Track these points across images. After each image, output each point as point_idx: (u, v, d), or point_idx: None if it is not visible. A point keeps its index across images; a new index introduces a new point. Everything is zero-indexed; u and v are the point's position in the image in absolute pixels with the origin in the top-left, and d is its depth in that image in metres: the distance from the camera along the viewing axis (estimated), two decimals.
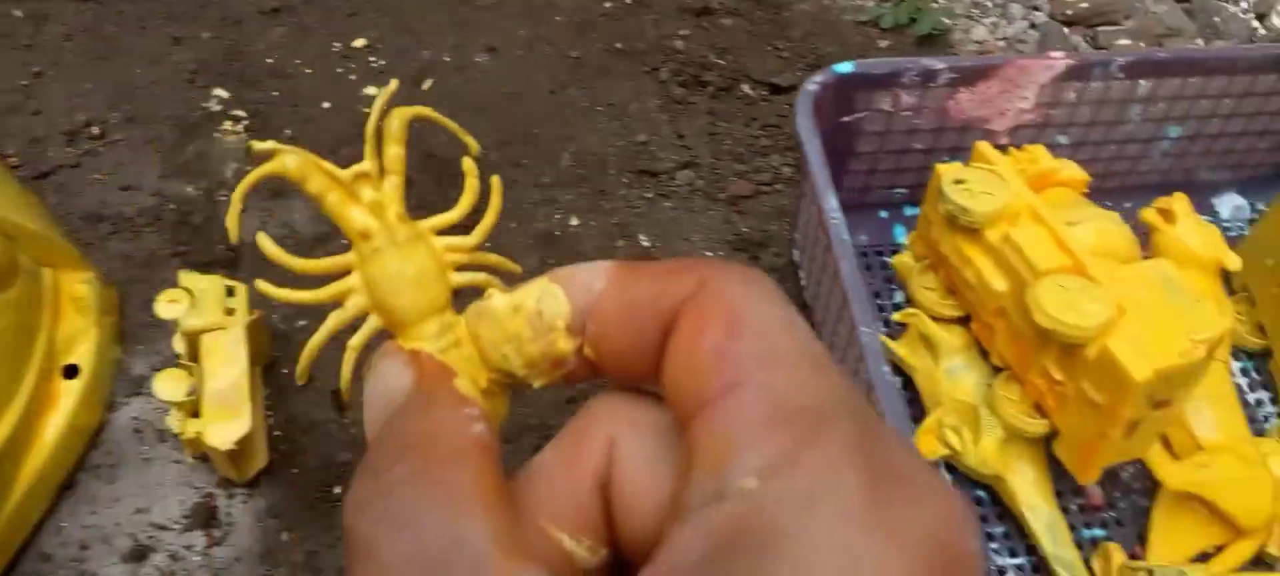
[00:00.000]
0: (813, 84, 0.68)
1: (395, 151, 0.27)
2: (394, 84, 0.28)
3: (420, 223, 0.27)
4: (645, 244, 0.83)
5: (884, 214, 0.83)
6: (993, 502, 0.69)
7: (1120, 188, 0.84)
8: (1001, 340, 0.64)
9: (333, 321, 0.26)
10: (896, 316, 0.74)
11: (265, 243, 0.27)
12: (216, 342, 0.64)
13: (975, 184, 0.64)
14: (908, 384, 0.73)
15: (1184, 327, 0.55)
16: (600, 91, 0.94)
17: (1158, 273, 0.59)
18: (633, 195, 0.86)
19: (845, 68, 0.70)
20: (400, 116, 0.28)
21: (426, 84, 0.93)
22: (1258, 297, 0.75)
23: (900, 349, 0.73)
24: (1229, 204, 0.87)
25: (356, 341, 0.25)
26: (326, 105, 0.90)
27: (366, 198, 0.26)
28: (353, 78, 0.92)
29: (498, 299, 0.23)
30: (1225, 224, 0.85)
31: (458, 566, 0.17)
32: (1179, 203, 0.73)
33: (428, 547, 0.18)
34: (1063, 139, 0.77)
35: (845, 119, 0.73)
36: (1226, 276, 0.79)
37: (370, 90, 0.91)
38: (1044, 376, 0.60)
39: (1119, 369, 0.54)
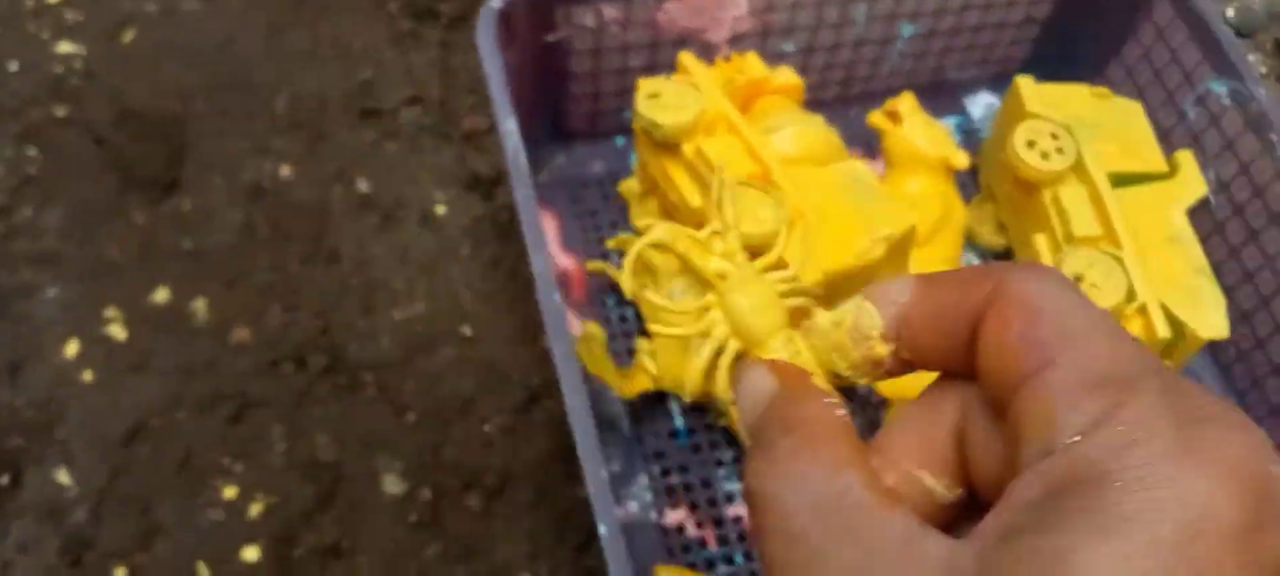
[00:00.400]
0: (497, 1, 0.63)
1: (731, 211, 0.32)
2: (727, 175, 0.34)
3: (753, 263, 0.32)
4: (364, 189, 0.78)
5: (621, 141, 0.79)
6: (725, 429, 0.66)
7: (864, 93, 0.81)
8: None
9: (708, 349, 0.31)
10: (610, 242, 0.71)
11: (652, 297, 0.34)
12: None
13: (670, 97, 0.60)
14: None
15: (866, 227, 0.52)
16: (324, 31, 0.88)
17: (847, 173, 0.56)
18: (354, 138, 0.81)
19: None
20: (728, 187, 0.33)
21: (128, 36, 0.85)
22: (997, 195, 0.73)
23: (625, 278, 0.69)
24: (981, 103, 0.85)
25: (726, 361, 0.30)
26: (14, 66, 0.82)
27: (717, 248, 0.31)
28: (45, 35, 0.85)
29: (822, 316, 0.28)
30: (977, 124, 0.83)
31: (845, 509, 0.22)
32: (905, 102, 0.70)
33: (820, 498, 0.23)
34: (789, 46, 0.74)
35: (549, 38, 0.68)
36: (973, 175, 0.77)
37: (63, 47, 0.84)
38: None
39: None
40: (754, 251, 0.32)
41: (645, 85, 0.61)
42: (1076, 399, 0.21)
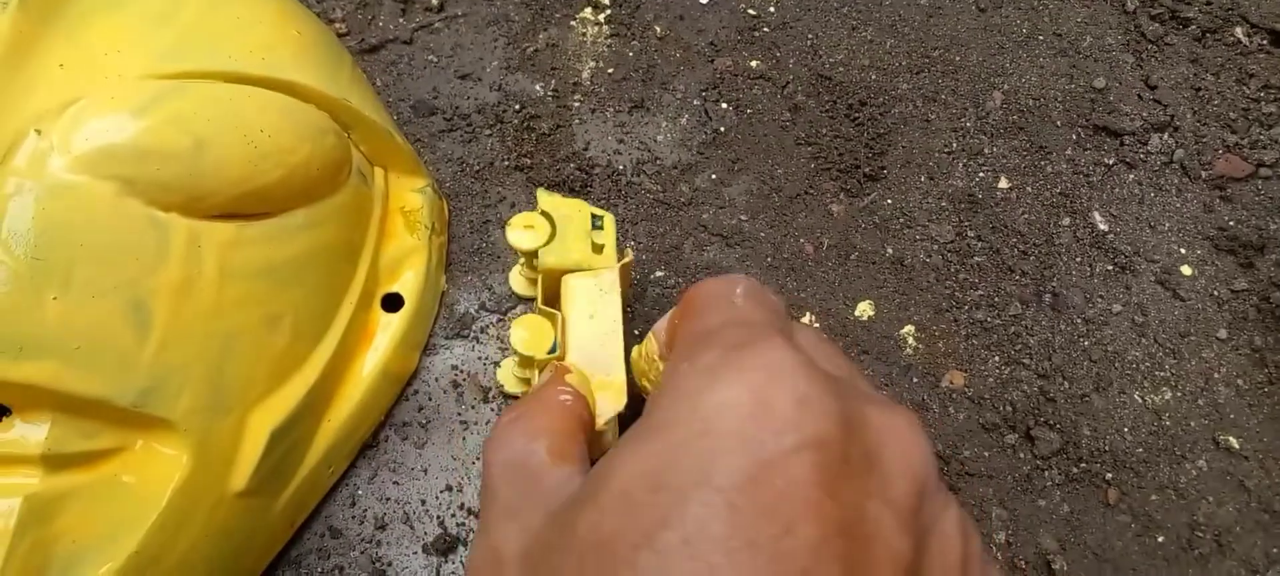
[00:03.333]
0: None
1: None
2: None
3: None
4: (1102, 228, 0.66)
5: None
6: None
7: None
8: None
9: None
10: None
11: None
12: (582, 288, 0.51)
13: None
14: None
15: None
16: (1045, 16, 0.77)
17: None
18: (1084, 158, 0.69)
19: None
20: None
21: None
22: None
23: None
24: None
25: None
26: (704, 0, 0.76)
27: None
28: None
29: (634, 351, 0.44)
30: None
31: (527, 466, 0.34)
32: None
33: (513, 456, 0.35)
34: None
35: None
36: None
37: None
38: None
39: None
40: None
41: None
42: (677, 354, 0.32)
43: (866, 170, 0.68)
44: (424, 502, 0.56)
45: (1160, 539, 0.56)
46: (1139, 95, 0.72)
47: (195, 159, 0.44)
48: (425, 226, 0.59)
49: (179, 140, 0.44)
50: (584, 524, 0.27)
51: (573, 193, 0.66)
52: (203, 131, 0.44)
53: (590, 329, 0.49)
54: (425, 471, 0.57)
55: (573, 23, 0.74)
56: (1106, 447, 0.58)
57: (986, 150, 0.70)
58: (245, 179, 0.46)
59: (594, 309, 0.49)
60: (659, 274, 0.63)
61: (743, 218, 0.66)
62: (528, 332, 0.48)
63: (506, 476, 0.34)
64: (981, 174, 0.69)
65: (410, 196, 0.59)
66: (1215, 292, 0.64)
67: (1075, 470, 0.58)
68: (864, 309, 0.63)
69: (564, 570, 0.27)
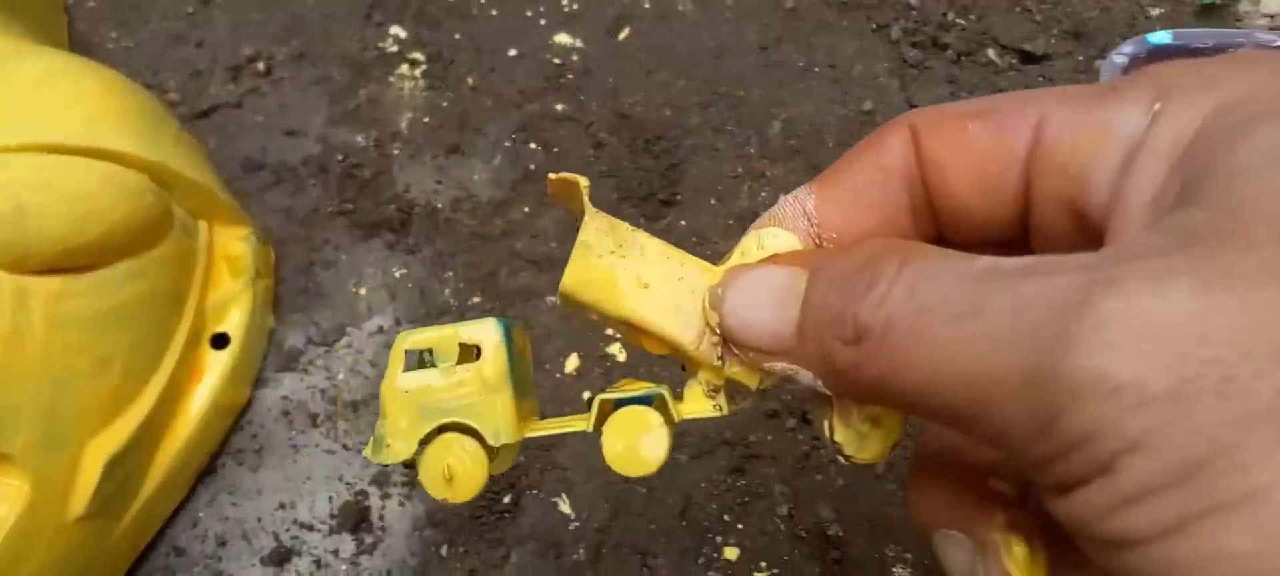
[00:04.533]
0: (1120, 56, 0.57)
1: None
2: None
3: None
4: None
5: None
6: None
7: None
8: None
9: None
10: None
11: None
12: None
13: None
14: None
15: None
16: (819, 50, 0.84)
17: None
18: None
19: (1161, 38, 0.58)
20: None
21: (624, 34, 0.84)
22: None
23: None
24: None
25: None
26: (513, 52, 0.82)
27: None
28: (543, 22, 0.84)
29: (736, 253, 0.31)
30: None
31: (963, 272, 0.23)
32: None
33: (926, 276, 0.23)
34: None
35: None
36: None
37: (560, 38, 0.83)
38: None
39: None
40: None
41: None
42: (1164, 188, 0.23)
43: (662, 196, 0.74)
44: (260, 520, 0.60)
45: None
46: (902, 114, 0.79)
47: (17, 222, 0.48)
48: (249, 271, 0.63)
49: (1, 206, 0.48)
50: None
51: (392, 232, 0.71)
52: (24, 197, 0.48)
53: (653, 295, 0.30)
54: (260, 492, 0.61)
55: (391, 78, 0.79)
56: None
57: (769, 173, 0.76)
58: (67, 238, 0.50)
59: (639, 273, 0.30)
60: (476, 300, 0.69)
61: (553, 245, 0.71)
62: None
63: (951, 289, 0.23)
64: (764, 194, 0.75)
65: (234, 244, 0.64)
66: None
67: None
68: None
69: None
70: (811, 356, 0.26)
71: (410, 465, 0.30)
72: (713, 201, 0.75)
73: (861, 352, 0.23)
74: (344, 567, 0.59)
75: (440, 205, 0.73)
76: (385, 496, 0.62)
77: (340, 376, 0.65)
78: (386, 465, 0.32)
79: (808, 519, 0.62)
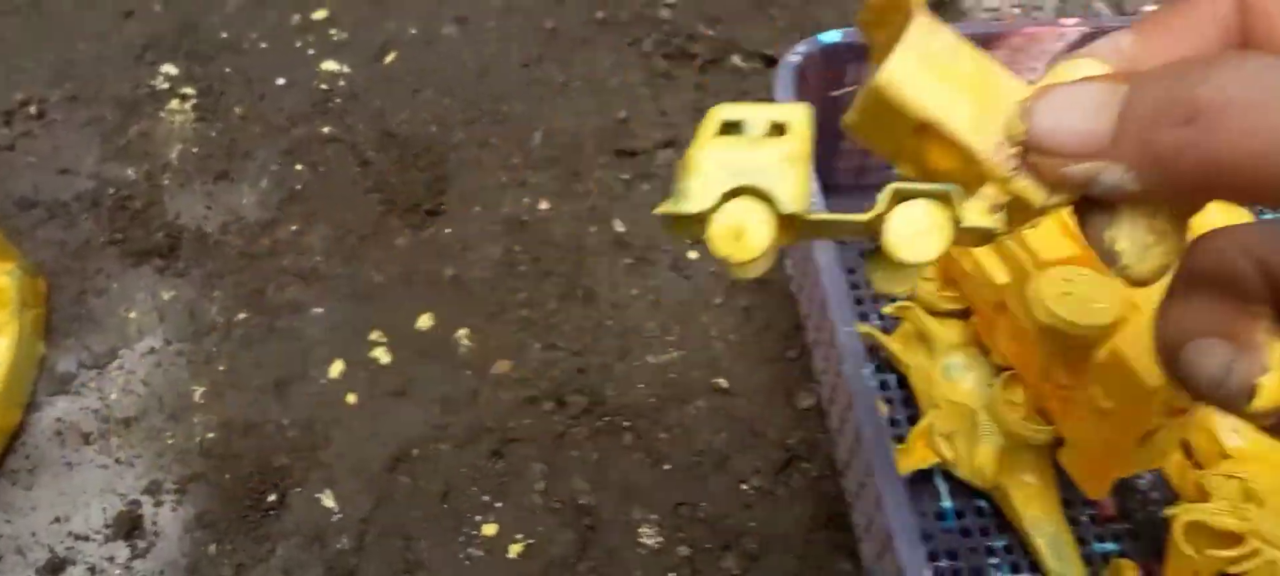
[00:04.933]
0: (795, 55, 0.63)
1: None
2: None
3: None
4: (620, 229, 0.78)
5: None
6: (994, 513, 0.64)
7: None
8: (1003, 337, 0.60)
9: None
10: (887, 310, 0.69)
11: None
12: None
13: None
14: (903, 382, 0.68)
15: None
16: (578, 65, 0.89)
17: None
18: (609, 177, 0.81)
19: (831, 37, 0.65)
20: None
21: (390, 58, 0.88)
22: None
23: (895, 345, 0.68)
24: None
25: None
26: (281, 81, 0.85)
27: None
28: (311, 52, 0.88)
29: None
30: None
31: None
32: None
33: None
34: None
35: (835, 93, 0.68)
36: None
37: (328, 65, 0.86)
38: (1048, 379, 0.55)
39: (1131, 373, 0.49)
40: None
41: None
42: None
43: (428, 207, 0.78)
44: (34, 534, 0.62)
45: (668, 467, 0.67)
46: (653, 120, 0.85)
47: None
48: (14, 303, 0.65)
49: None
50: None
51: (162, 258, 0.74)
52: None
53: (957, 102, 0.29)
54: (34, 509, 0.63)
55: (162, 114, 0.82)
56: (626, 403, 0.70)
57: (530, 181, 0.81)
58: None
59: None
60: (243, 315, 0.72)
61: (319, 259, 0.75)
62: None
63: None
64: (526, 200, 0.80)
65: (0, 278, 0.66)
66: (714, 270, 0.77)
67: (600, 424, 0.69)
68: (424, 320, 0.73)
69: None
70: (1130, 148, 0.26)
71: (700, 220, 0.31)
72: (478, 209, 0.79)
73: (1194, 131, 0.24)
74: (118, 572, 0.62)
75: (209, 229, 0.75)
76: (158, 504, 0.64)
77: (113, 396, 0.68)
78: (679, 213, 0.31)
79: (562, 492, 0.66)
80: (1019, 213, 0.29)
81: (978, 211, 0.29)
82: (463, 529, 0.65)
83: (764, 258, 0.31)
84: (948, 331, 0.65)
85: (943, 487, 0.66)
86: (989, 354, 0.62)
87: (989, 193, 0.29)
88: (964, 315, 0.65)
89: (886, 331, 0.69)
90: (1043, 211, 0.29)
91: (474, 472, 0.67)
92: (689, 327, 0.74)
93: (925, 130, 0.29)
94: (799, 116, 0.31)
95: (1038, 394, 0.57)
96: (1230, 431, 0.60)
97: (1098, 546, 0.63)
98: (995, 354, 0.61)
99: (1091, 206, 0.28)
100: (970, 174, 0.29)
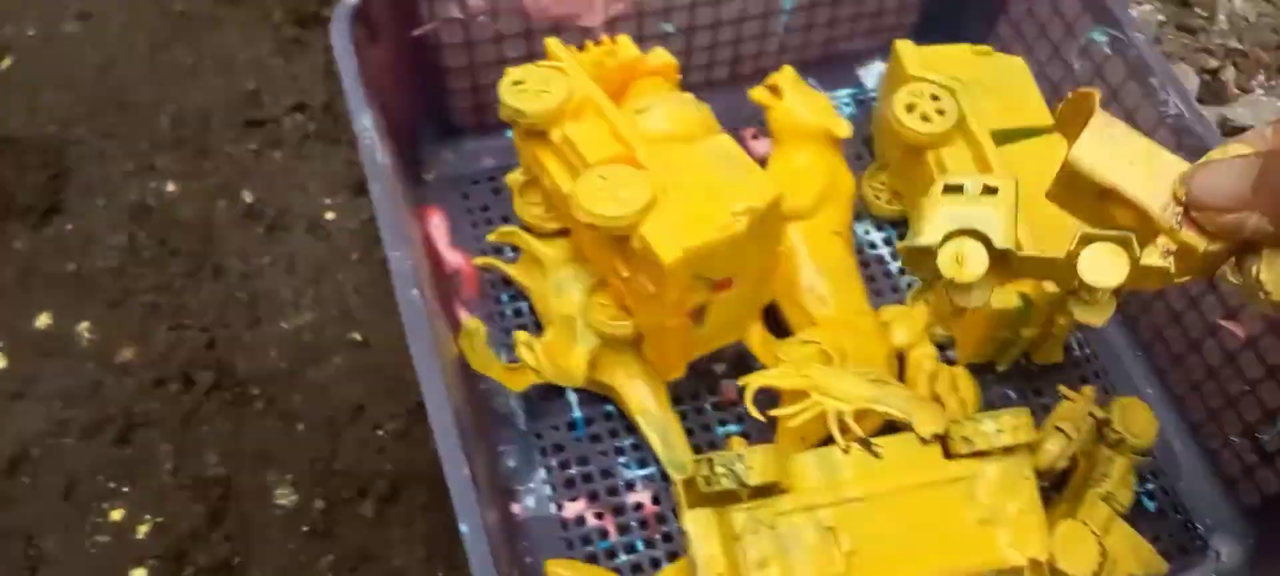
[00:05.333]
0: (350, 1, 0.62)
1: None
2: None
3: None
4: (250, 200, 0.77)
5: (511, 134, 0.78)
6: (620, 416, 0.66)
7: (755, 72, 0.81)
8: (588, 245, 0.61)
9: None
10: (491, 236, 0.71)
11: None
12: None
13: (533, 84, 0.60)
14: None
15: (728, 201, 0.52)
16: (207, 45, 0.87)
17: (713, 150, 0.56)
18: (239, 150, 0.80)
19: None
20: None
21: (6, 63, 0.85)
22: (888, 163, 0.74)
23: (515, 271, 0.69)
24: (875, 72, 0.85)
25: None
26: None
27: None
28: None
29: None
30: (871, 94, 0.84)
31: None
32: (784, 76, 0.71)
33: None
34: (669, 27, 0.74)
35: (416, 33, 0.68)
36: (870, 146, 0.78)
37: None
38: (615, 275, 0.57)
39: (652, 253, 0.51)
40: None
41: (510, 73, 0.61)
42: None
43: (45, 207, 0.76)
44: None
45: (301, 427, 0.67)
46: (284, 87, 0.84)
47: None
48: None
49: None
50: None
51: None
52: None
53: (1134, 174, 0.40)
54: None
55: None
56: (258, 371, 0.69)
57: (157, 165, 0.79)
58: None
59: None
60: None
61: None
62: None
63: None
64: (153, 185, 0.78)
65: None
66: (351, 227, 0.77)
67: (230, 396, 0.68)
68: (43, 319, 0.71)
69: None
70: (1265, 200, 0.35)
71: (930, 254, 0.42)
72: (101, 201, 0.77)
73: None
74: None
75: None
76: None
77: None
78: (914, 247, 0.42)
79: (193, 468, 0.65)
80: (1184, 259, 0.38)
81: (1154, 255, 0.38)
82: (89, 519, 0.64)
83: (981, 286, 0.42)
84: (555, 250, 0.66)
85: (572, 399, 0.67)
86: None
87: (1161, 242, 0.38)
88: (567, 233, 0.66)
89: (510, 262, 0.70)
90: (1207, 258, 0.38)
91: (99, 462, 0.65)
92: (324, 288, 0.74)
93: (1108, 194, 0.40)
94: (1007, 183, 0.42)
95: (619, 293, 0.59)
96: (819, 302, 0.63)
97: (720, 430, 0.65)
98: (592, 264, 0.63)
99: (1244, 251, 0.37)
100: (1145, 228, 0.39)
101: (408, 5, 0.66)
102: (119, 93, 0.83)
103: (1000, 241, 0.41)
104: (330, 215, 0.77)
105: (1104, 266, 0.39)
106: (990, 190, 0.42)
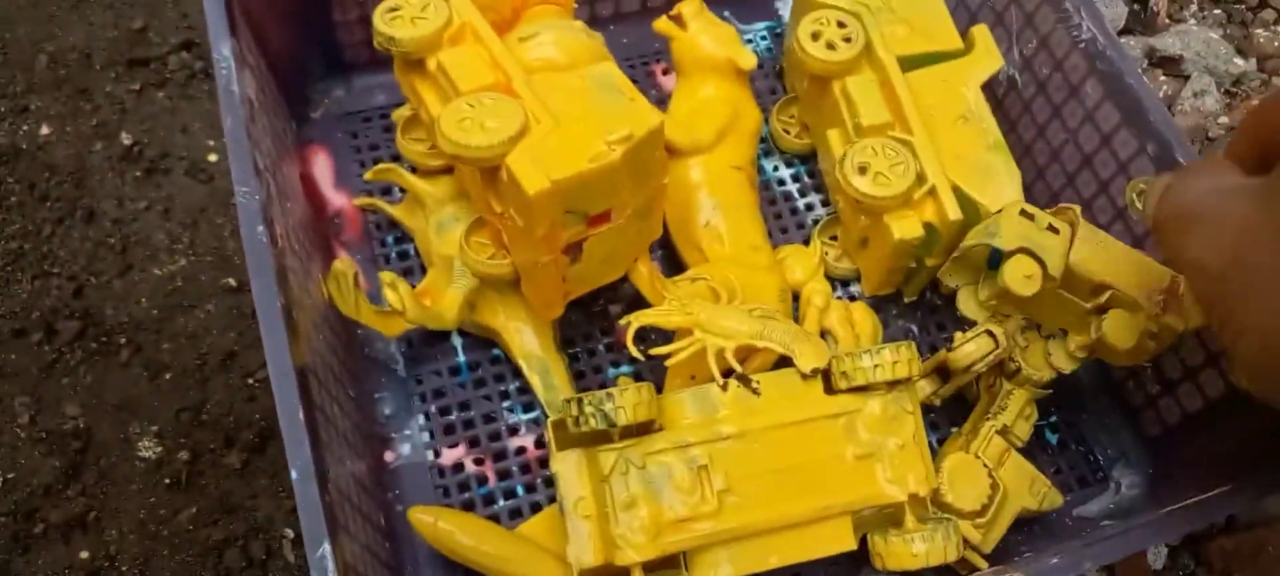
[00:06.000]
0: None
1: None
2: None
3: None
4: (128, 142, 0.73)
5: None
6: (506, 359, 0.63)
7: (669, 3, 0.78)
8: (465, 179, 0.58)
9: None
10: (367, 174, 0.67)
11: None
12: None
13: (410, 10, 0.56)
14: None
15: (606, 132, 0.49)
16: None
17: (594, 78, 0.53)
18: (120, 90, 0.76)
19: None
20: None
21: None
22: (798, 94, 0.71)
23: (398, 211, 0.65)
24: (788, 4, 0.82)
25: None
26: None
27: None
28: None
29: None
30: (785, 26, 0.81)
31: (1220, 185, 0.34)
32: (689, 6, 0.67)
33: (1205, 187, 0.35)
34: None
35: None
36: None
37: None
38: (490, 212, 0.54)
39: (518, 185, 0.47)
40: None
41: (386, 1, 0.58)
42: None
43: None
44: None
45: (169, 376, 0.64)
46: (174, 25, 0.80)
47: None
48: None
49: None
50: None
51: None
52: None
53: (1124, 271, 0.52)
54: None
55: None
56: (125, 319, 0.66)
57: (32, 106, 0.75)
58: None
59: None
60: None
61: None
62: None
63: (1204, 199, 0.35)
64: (26, 127, 0.74)
65: None
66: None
67: (95, 345, 0.64)
68: None
69: None
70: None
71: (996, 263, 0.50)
72: None
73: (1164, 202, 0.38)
74: None
75: None
76: None
77: None
78: (986, 244, 0.51)
79: (50, 421, 0.62)
80: (1167, 332, 0.48)
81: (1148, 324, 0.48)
82: None
83: (1036, 287, 0.49)
84: (437, 188, 0.63)
85: (458, 343, 0.64)
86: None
87: (1143, 321, 0.48)
88: (450, 171, 0.63)
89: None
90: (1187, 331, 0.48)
91: None
92: (201, 232, 0.70)
93: (1100, 289, 0.49)
94: (1065, 230, 0.50)
95: (496, 231, 0.56)
96: (715, 239, 0.61)
97: (613, 371, 0.63)
98: (474, 201, 0.60)
99: None
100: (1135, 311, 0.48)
101: None
102: None
103: (1053, 270, 0.49)
104: (213, 157, 0.73)
105: (1124, 326, 0.49)
106: (1054, 229, 0.50)
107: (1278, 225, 0.30)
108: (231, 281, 0.67)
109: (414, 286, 0.65)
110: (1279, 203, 0.30)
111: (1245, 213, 0.31)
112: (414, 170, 0.64)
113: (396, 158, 0.71)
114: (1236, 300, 0.31)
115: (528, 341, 0.60)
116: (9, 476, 0.59)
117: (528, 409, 0.62)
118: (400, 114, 0.68)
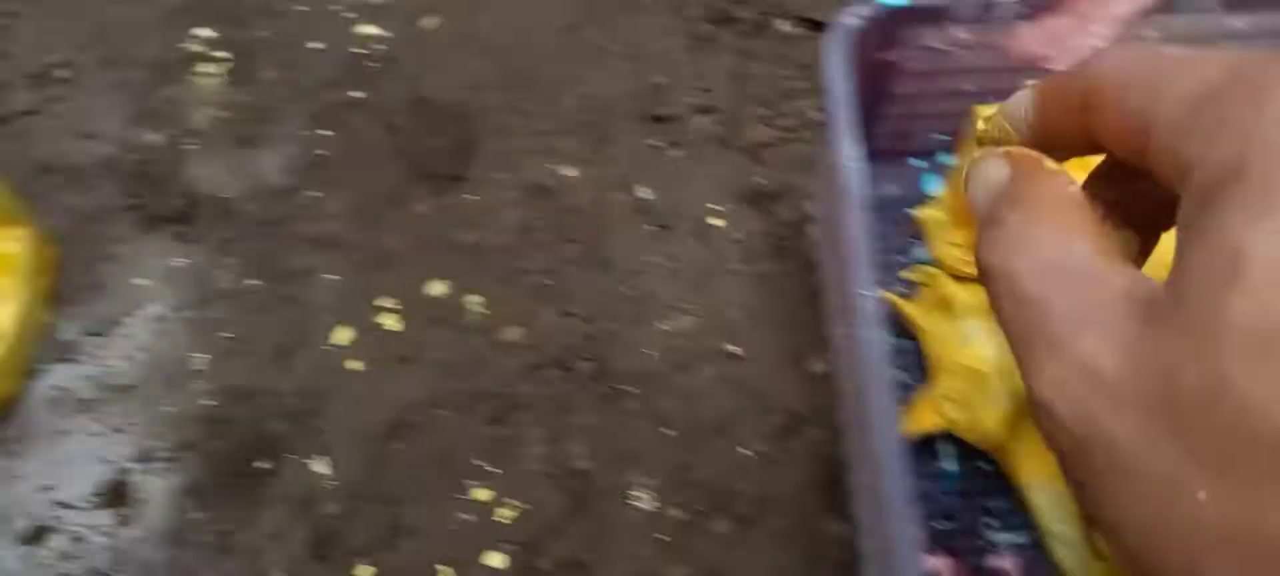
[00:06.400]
0: (853, 17, 0.59)
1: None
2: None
3: None
4: (644, 196, 0.76)
5: (918, 163, 0.74)
6: (995, 476, 0.61)
7: None
8: None
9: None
10: (905, 273, 0.66)
11: None
12: None
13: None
14: (916, 351, 0.65)
15: None
16: (619, 30, 0.87)
17: None
18: (639, 143, 0.79)
19: (899, 0, 0.61)
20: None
21: (431, 23, 0.87)
22: None
23: (911, 309, 0.64)
24: None
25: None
26: (315, 45, 0.85)
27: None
28: (349, 15, 0.87)
29: (991, 108, 0.33)
30: None
31: (1071, 268, 0.25)
32: None
33: (1046, 260, 0.26)
34: None
35: (884, 57, 0.65)
36: None
37: (365, 29, 0.86)
38: None
39: None
40: None
41: (983, 111, 0.56)
42: (1186, 132, 0.24)
43: (450, 173, 0.77)
44: (19, 502, 0.63)
45: (669, 432, 0.65)
46: (690, 87, 0.82)
47: None
48: (24, 270, 0.66)
49: None
50: (1234, 313, 0.21)
51: (178, 224, 0.74)
52: None
53: None
54: (21, 477, 0.64)
55: (192, 77, 0.82)
56: (633, 369, 0.68)
57: (558, 147, 0.79)
58: None
59: None
60: (252, 282, 0.72)
61: (337, 226, 0.74)
62: None
63: (1050, 282, 0.26)
64: (552, 166, 0.78)
65: (9, 244, 0.66)
66: (736, 237, 0.74)
67: (606, 390, 0.67)
68: (437, 287, 0.72)
69: (1225, 370, 0.21)
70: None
71: None
72: (503, 175, 0.77)
73: (980, 250, 0.29)
74: (101, 540, 0.62)
75: (228, 195, 0.75)
76: (147, 472, 0.64)
77: (112, 363, 0.68)
78: None
79: (560, 457, 0.64)
80: None
81: None
82: (453, 494, 0.63)
83: None
84: (970, 296, 0.62)
85: (945, 450, 0.63)
86: None
87: None
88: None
89: (905, 297, 0.66)
90: None
91: (472, 438, 0.65)
92: (704, 295, 0.71)
93: None
94: None
95: None
96: None
97: None
98: None
99: None
100: None
101: (890, 29, 0.63)
102: (531, 66, 0.83)
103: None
104: (714, 221, 0.75)
105: None
106: None
107: (1158, 386, 0.22)
108: (732, 348, 0.68)
109: (914, 386, 0.63)
110: (1164, 346, 0.22)
111: (1113, 362, 0.23)
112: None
113: (901, 251, 0.69)
114: (1101, 481, 0.23)
115: (1045, 468, 0.58)
116: (523, 508, 0.62)
117: (1008, 529, 0.60)
118: (929, 215, 0.66)
